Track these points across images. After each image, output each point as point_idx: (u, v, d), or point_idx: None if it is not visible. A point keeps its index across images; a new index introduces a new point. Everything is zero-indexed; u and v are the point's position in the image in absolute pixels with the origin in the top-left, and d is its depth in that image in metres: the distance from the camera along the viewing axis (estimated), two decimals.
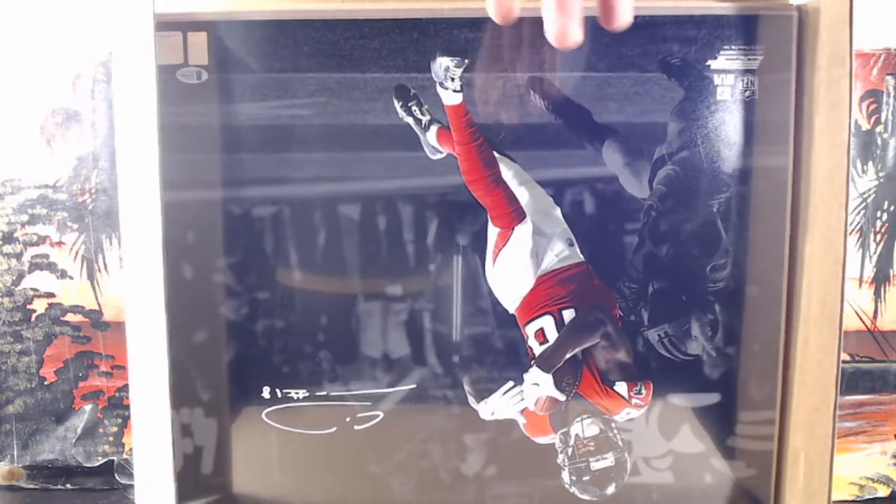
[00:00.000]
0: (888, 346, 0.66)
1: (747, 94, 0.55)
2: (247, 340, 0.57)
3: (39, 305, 0.67)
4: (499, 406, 0.57)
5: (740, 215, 0.56)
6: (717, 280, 0.56)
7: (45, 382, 0.68)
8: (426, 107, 0.56)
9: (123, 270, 0.56)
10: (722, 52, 0.55)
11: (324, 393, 0.57)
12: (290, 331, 0.57)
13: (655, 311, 0.57)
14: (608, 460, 0.57)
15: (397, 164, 0.56)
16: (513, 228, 0.56)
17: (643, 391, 0.57)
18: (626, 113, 0.56)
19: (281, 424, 0.57)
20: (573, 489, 0.57)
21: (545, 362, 0.56)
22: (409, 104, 0.56)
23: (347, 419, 0.57)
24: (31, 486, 0.69)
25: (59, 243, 0.66)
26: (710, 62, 0.55)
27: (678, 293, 0.57)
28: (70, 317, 0.67)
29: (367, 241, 0.57)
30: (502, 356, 0.57)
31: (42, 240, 0.66)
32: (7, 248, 0.65)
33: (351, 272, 0.57)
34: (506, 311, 0.57)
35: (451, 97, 0.55)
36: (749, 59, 0.55)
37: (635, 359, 0.57)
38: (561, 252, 0.57)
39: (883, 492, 0.67)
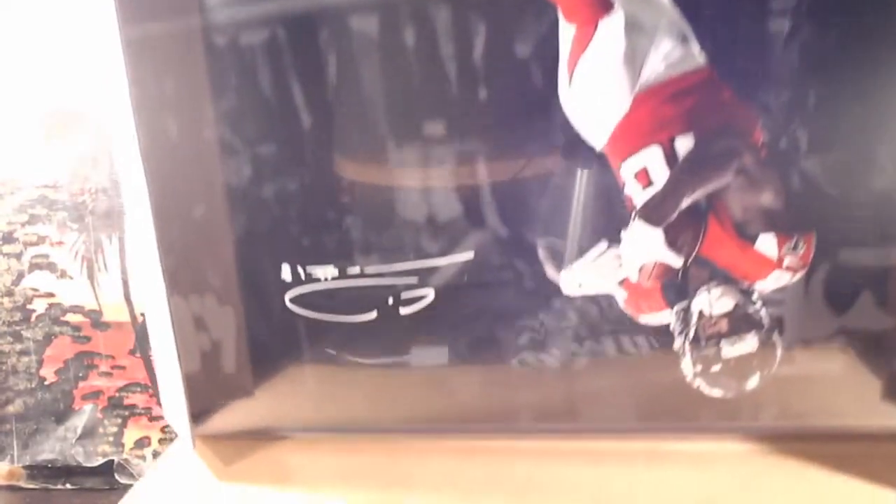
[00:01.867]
0: None
1: None
2: (253, 209, 0.44)
3: (39, 305, 0.66)
4: (588, 276, 0.42)
5: None
6: None
7: (45, 382, 0.68)
8: None
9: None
10: None
11: (357, 270, 0.44)
12: (306, 193, 0.44)
13: (819, 130, 0.38)
14: (748, 344, 0.41)
15: None
16: (596, 24, 0.39)
17: (800, 247, 0.40)
18: None
19: (309, 311, 0.45)
20: (697, 382, 0.42)
21: (653, 213, 0.40)
22: None
23: (390, 301, 0.44)
24: (31, 486, 0.68)
25: (59, 243, 0.65)
26: None
27: (855, 101, 0.37)
28: (70, 317, 0.67)
29: (390, 64, 0.41)
30: (589, 208, 0.41)
31: (42, 240, 0.65)
32: (7, 248, 0.65)
33: (374, 107, 0.42)
34: (591, 147, 0.40)
35: None
36: None
37: (788, 202, 0.39)
38: (670, 53, 0.38)
39: None
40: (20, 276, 0.66)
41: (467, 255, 0.43)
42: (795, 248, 0.39)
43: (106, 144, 0.62)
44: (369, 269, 0.44)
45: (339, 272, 0.44)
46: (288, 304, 0.45)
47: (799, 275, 0.40)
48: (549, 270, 0.42)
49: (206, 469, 0.47)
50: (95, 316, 0.67)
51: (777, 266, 0.40)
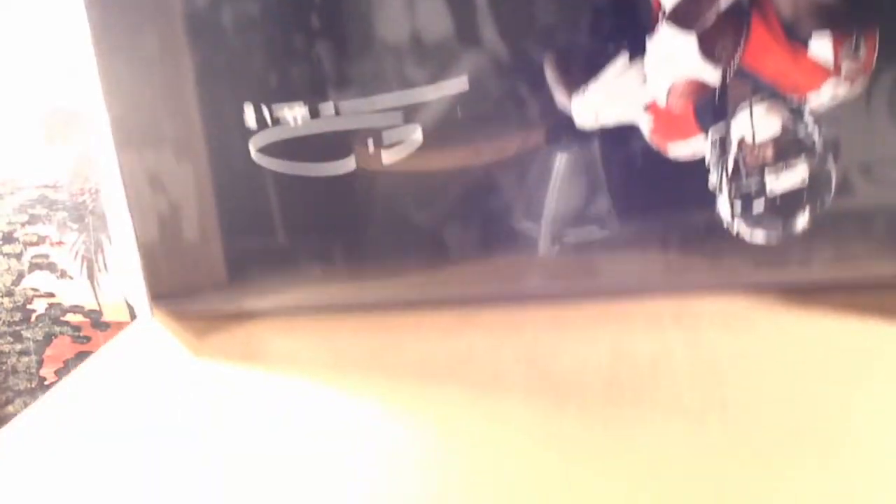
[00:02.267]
0: None
1: None
2: (210, 35, 0.37)
3: (39, 305, 0.65)
4: (607, 101, 0.35)
5: None
6: None
7: (45, 382, 0.67)
8: None
9: None
10: None
11: (331, 110, 0.37)
12: (268, 14, 0.37)
13: None
14: (797, 173, 0.34)
15: None
16: None
17: (861, 49, 0.33)
18: None
19: (279, 159, 0.39)
20: (737, 225, 0.35)
21: (685, 14, 0.33)
22: None
23: (371, 145, 0.38)
24: None
25: (59, 243, 0.64)
26: None
27: None
28: (70, 317, 0.66)
29: None
30: (607, 13, 0.34)
31: (42, 240, 0.64)
32: (7, 249, 0.64)
33: None
34: None
35: None
36: None
37: None
38: None
39: None
40: (20, 276, 0.65)
41: (461, 84, 0.36)
42: (856, 50, 0.33)
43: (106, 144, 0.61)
44: (345, 106, 0.37)
45: (311, 112, 0.37)
46: (254, 155, 0.38)
47: (859, 84, 0.33)
48: (560, 96, 0.35)
49: (174, 344, 0.42)
50: (95, 316, 0.66)
51: (833, 74, 0.33)
